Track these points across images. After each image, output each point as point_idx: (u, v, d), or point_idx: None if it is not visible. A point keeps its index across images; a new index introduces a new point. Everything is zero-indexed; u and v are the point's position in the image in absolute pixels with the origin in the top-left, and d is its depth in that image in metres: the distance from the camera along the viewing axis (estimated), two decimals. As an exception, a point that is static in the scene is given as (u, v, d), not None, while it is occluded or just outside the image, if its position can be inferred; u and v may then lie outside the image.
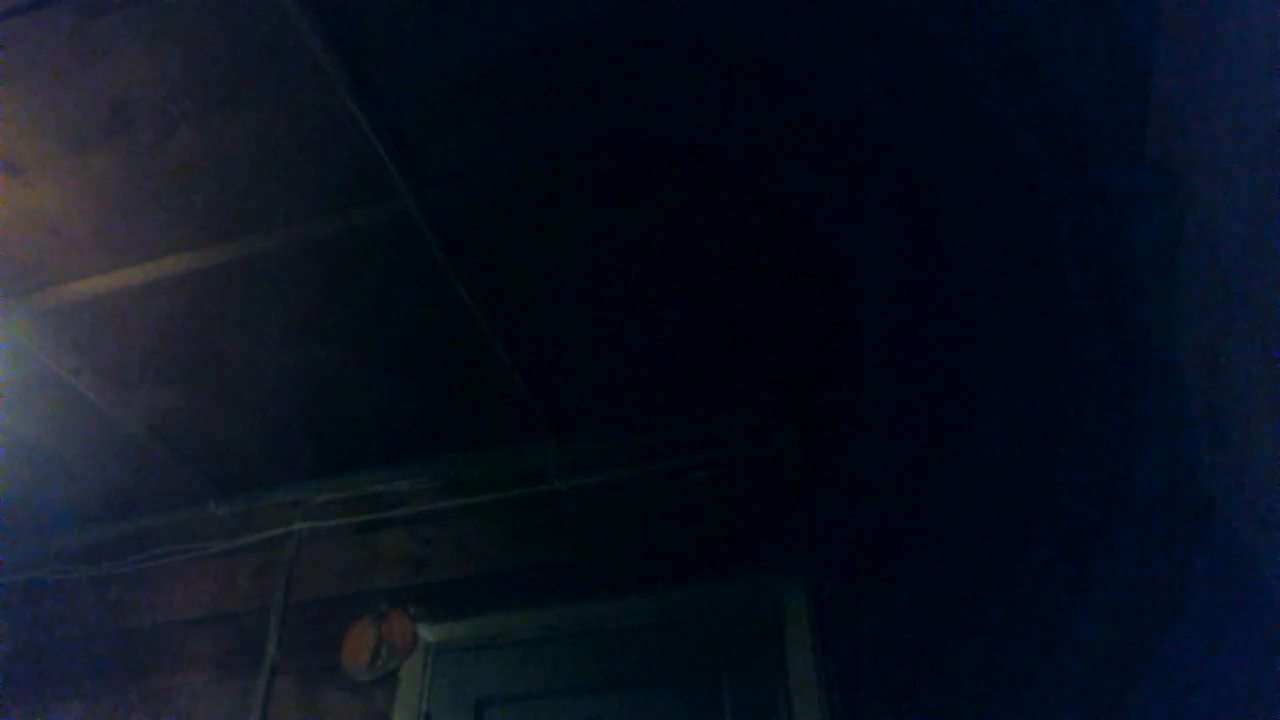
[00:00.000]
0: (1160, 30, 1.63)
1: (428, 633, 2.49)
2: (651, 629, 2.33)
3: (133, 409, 2.61)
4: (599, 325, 2.35)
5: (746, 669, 2.19)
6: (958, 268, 2.18)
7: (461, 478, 2.73)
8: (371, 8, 1.73)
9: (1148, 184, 1.85)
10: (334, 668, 2.50)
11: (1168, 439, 2.00)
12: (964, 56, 1.79)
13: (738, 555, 2.34)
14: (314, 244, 2.15)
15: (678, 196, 2.05)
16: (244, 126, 1.93)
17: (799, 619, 2.19)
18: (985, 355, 2.38)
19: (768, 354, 2.42)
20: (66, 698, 2.73)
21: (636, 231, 2.13)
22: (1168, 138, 1.70)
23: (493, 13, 1.74)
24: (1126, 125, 1.84)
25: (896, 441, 2.37)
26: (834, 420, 2.46)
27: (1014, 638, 2.01)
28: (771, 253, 2.17)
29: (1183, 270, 1.75)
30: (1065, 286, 2.20)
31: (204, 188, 2.04)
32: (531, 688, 2.33)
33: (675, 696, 2.21)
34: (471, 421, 2.65)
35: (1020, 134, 1.90)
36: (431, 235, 2.10)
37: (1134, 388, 2.19)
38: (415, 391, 2.55)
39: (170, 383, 2.53)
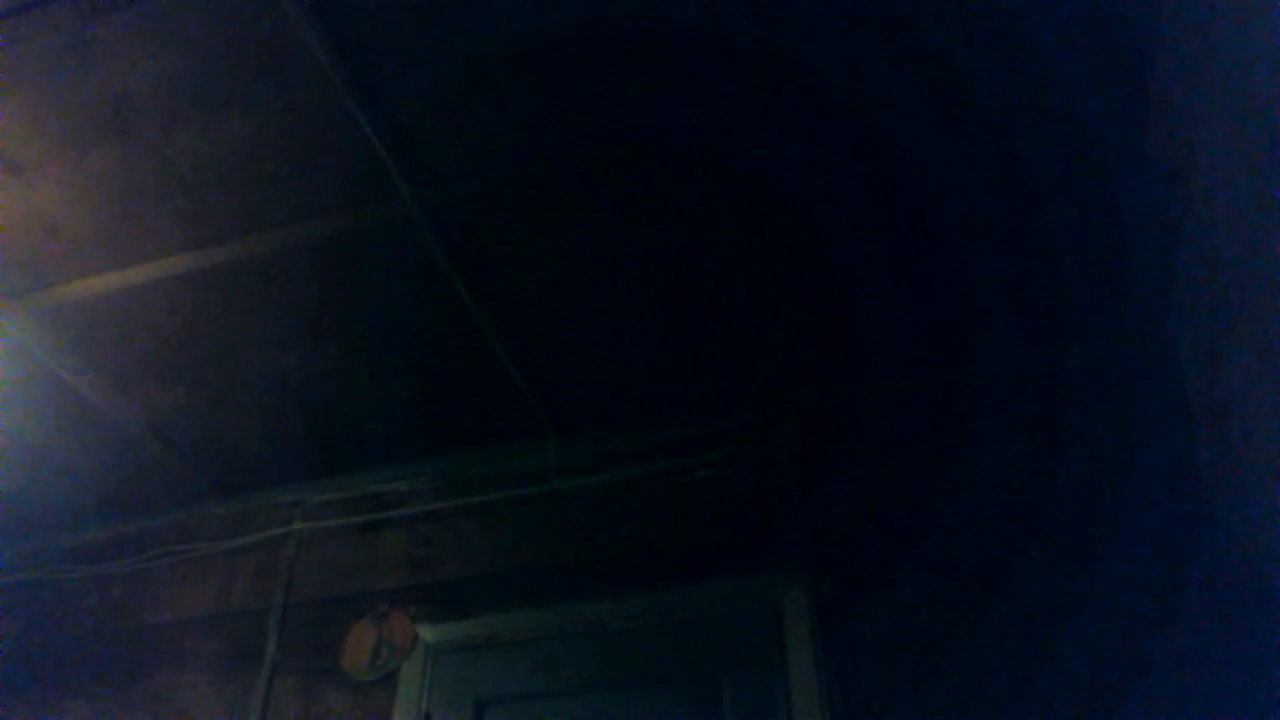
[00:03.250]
0: (1160, 30, 1.63)
1: (428, 633, 2.49)
2: (651, 629, 2.33)
3: (133, 409, 2.61)
4: (599, 325, 2.35)
5: (746, 669, 2.20)
6: (957, 267, 2.18)
7: (461, 478, 2.73)
8: (371, 8, 1.73)
9: (1148, 184, 1.85)
10: (334, 668, 2.50)
11: (1168, 439, 2.00)
12: (964, 57, 1.79)
13: (738, 555, 2.34)
14: (313, 244, 2.16)
15: (678, 196, 2.05)
16: (244, 126, 1.93)
17: (799, 619, 2.19)
18: (985, 355, 2.38)
19: (768, 354, 2.42)
20: (66, 698, 2.73)
21: (636, 231, 2.13)
22: (1168, 138, 1.70)
23: (492, 12, 1.74)
24: (1126, 125, 1.84)
25: (896, 441, 2.37)
26: (834, 420, 2.46)
27: (1014, 638, 2.01)
28: (771, 252, 2.17)
29: (1183, 270, 1.75)
30: (1065, 286, 2.20)
31: (204, 188, 2.04)
32: (531, 688, 2.33)
33: (675, 696, 2.21)
34: (471, 421, 2.65)
35: (1020, 134, 1.91)
36: (431, 235, 2.10)
37: (1134, 388, 2.19)
38: (415, 391, 2.55)
39: (170, 383, 2.53)
